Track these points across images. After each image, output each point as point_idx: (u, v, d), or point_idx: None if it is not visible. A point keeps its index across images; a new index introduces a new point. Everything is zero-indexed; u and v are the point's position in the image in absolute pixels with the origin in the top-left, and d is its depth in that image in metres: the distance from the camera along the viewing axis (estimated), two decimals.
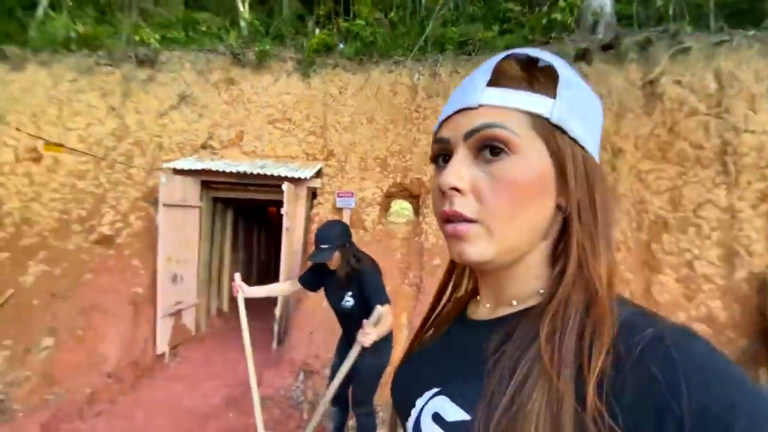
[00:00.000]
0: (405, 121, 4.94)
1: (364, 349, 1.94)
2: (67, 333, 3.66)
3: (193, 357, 4.48)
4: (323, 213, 4.71)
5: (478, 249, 0.42)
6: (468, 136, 0.42)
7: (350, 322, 2.33)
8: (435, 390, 0.44)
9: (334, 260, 2.22)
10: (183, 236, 4.60)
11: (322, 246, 2.17)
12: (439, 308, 0.58)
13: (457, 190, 0.42)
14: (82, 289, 4.01)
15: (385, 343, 2.23)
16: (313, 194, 4.97)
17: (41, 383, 3.23)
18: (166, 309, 4.29)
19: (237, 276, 2.39)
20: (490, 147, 0.41)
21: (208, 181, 4.83)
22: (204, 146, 5.23)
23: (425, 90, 4.97)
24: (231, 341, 4.99)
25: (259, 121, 5.29)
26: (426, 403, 0.44)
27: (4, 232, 4.31)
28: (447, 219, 0.43)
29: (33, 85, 5.18)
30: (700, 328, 3.40)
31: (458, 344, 0.50)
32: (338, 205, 4.68)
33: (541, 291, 0.44)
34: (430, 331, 0.58)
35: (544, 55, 0.43)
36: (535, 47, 4.92)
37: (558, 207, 0.43)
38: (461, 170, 0.42)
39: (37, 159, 4.80)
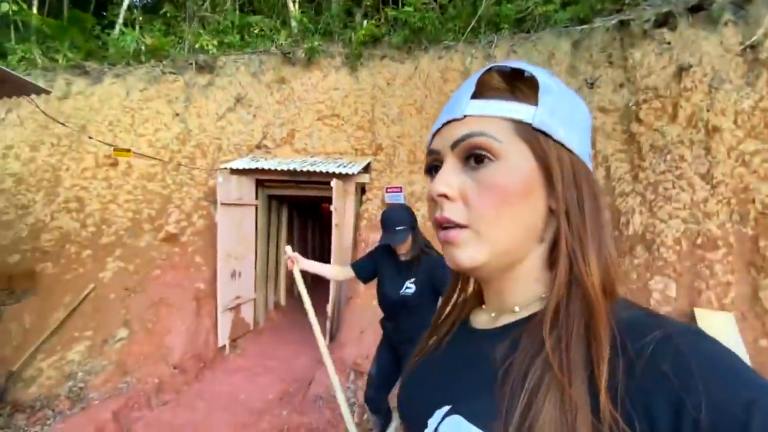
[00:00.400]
0: None
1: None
2: (138, 325, 3.95)
3: (252, 350, 4.63)
4: (372, 209, 4.61)
5: (469, 253, 0.42)
6: (454, 145, 0.44)
7: (400, 316, 2.18)
8: (446, 408, 0.43)
9: (406, 243, 2.10)
10: (240, 233, 4.76)
11: (398, 228, 2.04)
12: (443, 316, 0.57)
13: (446, 197, 0.43)
14: (151, 284, 4.31)
15: None
16: (362, 190, 4.89)
17: (115, 372, 3.50)
18: (226, 303, 4.47)
19: (288, 248, 2.24)
20: (474, 155, 0.42)
21: (263, 179, 4.95)
22: (259, 146, 5.37)
23: None
24: (288, 334, 5.12)
25: (309, 119, 5.31)
26: (440, 423, 0.43)
27: (87, 232, 4.76)
28: (440, 226, 0.44)
29: (109, 96, 5.67)
30: None
31: (464, 356, 0.49)
32: (387, 200, 4.54)
33: (543, 296, 0.44)
34: (433, 339, 0.57)
35: (526, 66, 0.43)
36: (605, 17, 4.33)
37: (551, 210, 0.43)
38: (449, 178, 0.44)
39: (114, 164, 5.24)
